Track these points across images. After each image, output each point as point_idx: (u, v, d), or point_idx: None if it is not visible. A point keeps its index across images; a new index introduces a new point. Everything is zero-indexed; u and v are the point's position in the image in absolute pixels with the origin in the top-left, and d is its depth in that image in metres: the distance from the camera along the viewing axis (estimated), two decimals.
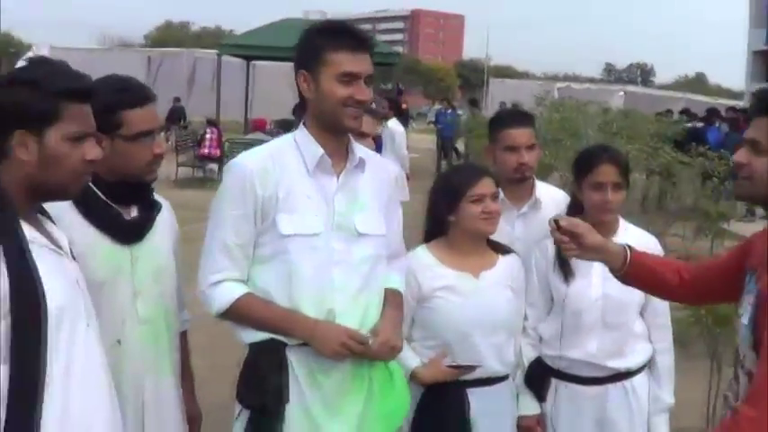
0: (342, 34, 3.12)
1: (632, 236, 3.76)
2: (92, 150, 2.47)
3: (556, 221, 3.13)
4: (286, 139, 3.28)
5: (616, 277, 3.17)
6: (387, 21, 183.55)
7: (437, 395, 3.66)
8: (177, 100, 30.36)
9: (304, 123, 3.25)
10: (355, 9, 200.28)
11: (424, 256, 3.78)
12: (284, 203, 3.10)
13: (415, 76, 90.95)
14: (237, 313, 3.12)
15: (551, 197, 4.18)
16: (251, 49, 23.88)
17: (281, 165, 3.15)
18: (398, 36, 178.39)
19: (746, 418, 2.45)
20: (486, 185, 3.69)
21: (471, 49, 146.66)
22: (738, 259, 2.88)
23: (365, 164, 3.28)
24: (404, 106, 24.85)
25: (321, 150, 3.16)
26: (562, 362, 3.86)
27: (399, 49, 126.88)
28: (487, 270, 3.76)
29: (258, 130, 20.63)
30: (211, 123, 21.45)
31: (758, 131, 2.64)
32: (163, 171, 17.80)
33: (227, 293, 3.10)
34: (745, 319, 2.66)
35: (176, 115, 28.17)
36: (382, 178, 3.36)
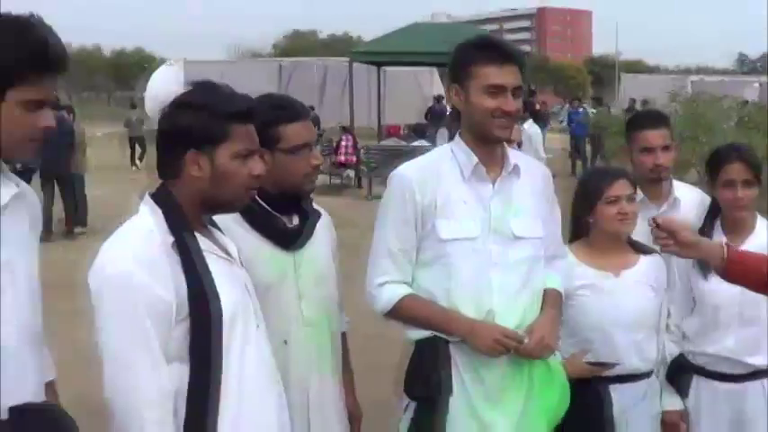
0: (489, 48, 3.28)
1: None
2: (257, 166, 2.67)
3: (654, 219, 3.32)
4: (443, 149, 3.48)
5: (718, 274, 3.29)
6: (513, 20, 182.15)
7: (579, 392, 3.71)
8: (311, 109, 30.98)
9: (460, 134, 3.42)
10: (482, 10, 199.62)
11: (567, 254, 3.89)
12: (443, 210, 3.29)
13: (545, 75, 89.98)
14: (400, 313, 3.33)
15: (690, 196, 4.26)
16: (382, 55, 24.08)
17: (438, 173, 3.34)
18: (525, 35, 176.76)
19: None
20: (621, 187, 3.79)
21: (600, 45, 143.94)
22: None
23: (520, 170, 3.42)
24: (538, 107, 24.71)
25: (475, 159, 3.33)
26: (702, 358, 3.94)
27: (527, 48, 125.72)
28: (628, 269, 3.86)
29: (392, 135, 20.90)
30: (346, 130, 21.72)
31: None
32: None
33: (391, 294, 3.31)
34: None
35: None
36: (536, 182, 3.50)
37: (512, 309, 3.30)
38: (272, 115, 3.19)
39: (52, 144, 13.50)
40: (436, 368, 3.29)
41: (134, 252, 2.48)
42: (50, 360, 2.65)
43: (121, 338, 2.44)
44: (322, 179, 20.49)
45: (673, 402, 4.01)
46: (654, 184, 4.25)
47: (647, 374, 3.92)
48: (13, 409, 2.31)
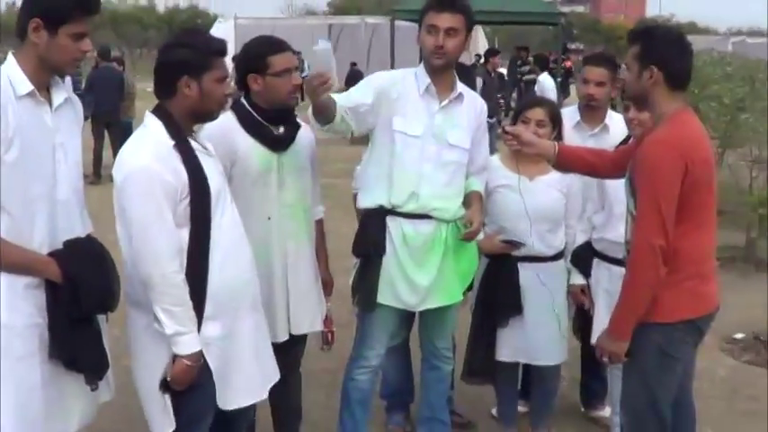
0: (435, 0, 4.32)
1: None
2: (227, 88, 3.65)
3: (503, 127, 4.39)
4: (410, 70, 4.52)
5: (553, 164, 4.37)
6: None
7: (496, 267, 4.87)
8: (354, 64, 31.69)
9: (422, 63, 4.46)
10: None
11: (493, 160, 4.92)
12: (400, 110, 4.37)
13: (595, 35, 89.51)
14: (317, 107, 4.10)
15: (619, 124, 5.11)
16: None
17: (404, 85, 4.41)
18: None
19: (635, 247, 3.69)
20: (534, 113, 4.84)
21: (655, 6, 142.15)
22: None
23: (463, 98, 4.48)
24: (567, 64, 25.41)
25: (428, 80, 4.38)
26: (602, 243, 4.95)
27: (581, 8, 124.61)
28: (542, 176, 4.86)
29: None
30: None
31: None
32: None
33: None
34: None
35: (354, 79, 29.50)
36: (474, 109, 4.55)
37: (436, 196, 4.36)
38: (262, 49, 4.23)
39: (103, 92, 14.51)
40: (374, 233, 4.37)
41: (148, 150, 3.48)
42: (89, 220, 3.65)
43: (146, 212, 3.41)
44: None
45: (575, 278, 5.06)
46: (589, 110, 5.24)
47: (553, 258, 4.94)
48: (66, 242, 3.37)
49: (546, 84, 13.47)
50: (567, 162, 4.34)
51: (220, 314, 3.54)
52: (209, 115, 3.71)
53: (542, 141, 4.41)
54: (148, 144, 3.50)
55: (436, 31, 4.26)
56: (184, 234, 3.47)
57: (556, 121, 4.87)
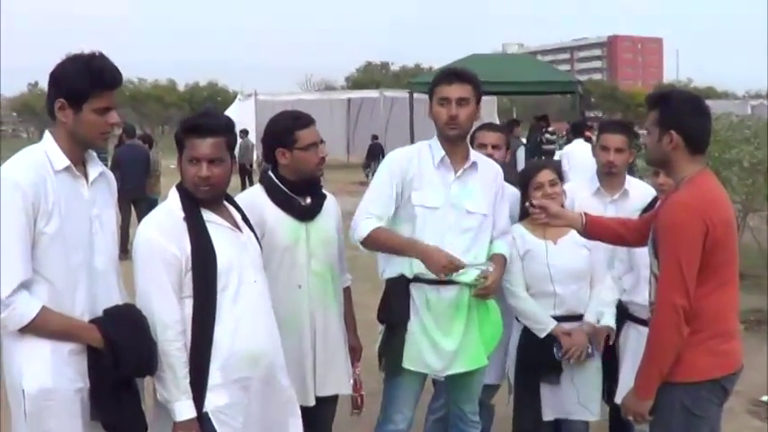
0: (444, 72, 4.54)
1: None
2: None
3: (529, 201, 4.53)
4: (424, 143, 4.67)
5: (581, 235, 4.47)
6: (584, 49, 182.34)
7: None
8: (375, 138, 31.97)
9: (437, 135, 4.60)
10: (552, 39, 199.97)
11: (518, 228, 5.00)
12: (417, 184, 4.50)
13: (613, 103, 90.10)
14: (372, 239, 4.41)
15: (638, 190, 5.28)
16: None
17: (419, 159, 4.55)
18: (597, 63, 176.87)
19: (658, 308, 3.75)
20: (544, 175, 4.93)
21: (672, 72, 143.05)
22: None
23: (477, 165, 4.61)
24: (587, 133, 25.50)
25: (443, 152, 4.52)
26: (632, 306, 4.99)
27: (598, 76, 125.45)
28: (563, 237, 4.95)
29: None
30: None
31: None
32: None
33: (367, 225, 4.42)
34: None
35: (375, 152, 29.77)
36: (488, 175, 4.68)
37: None
38: (289, 124, 4.41)
39: (129, 169, 14.72)
40: (398, 300, 4.50)
41: (155, 222, 3.69)
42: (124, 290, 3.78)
43: (146, 281, 3.59)
44: None
45: (607, 320, 5.00)
46: (609, 177, 5.33)
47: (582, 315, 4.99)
48: (106, 310, 3.51)
49: (576, 153, 12.62)
50: (595, 232, 4.45)
51: (229, 384, 3.64)
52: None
53: (569, 213, 4.54)
54: (158, 216, 3.73)
55: (448, 102, 4.43)
56: (190, 305, 3.61)
57: (562, 178, 5.02)
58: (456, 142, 4.53)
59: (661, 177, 4.70)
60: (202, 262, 3.61)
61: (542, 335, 4.87)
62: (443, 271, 4.25)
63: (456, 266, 4.25)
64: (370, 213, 4.44)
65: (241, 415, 3.66)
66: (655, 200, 4.94)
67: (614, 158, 5.24)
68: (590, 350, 4.91)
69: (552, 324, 4.87)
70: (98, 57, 3.51)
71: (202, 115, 3.84)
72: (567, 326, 4.91)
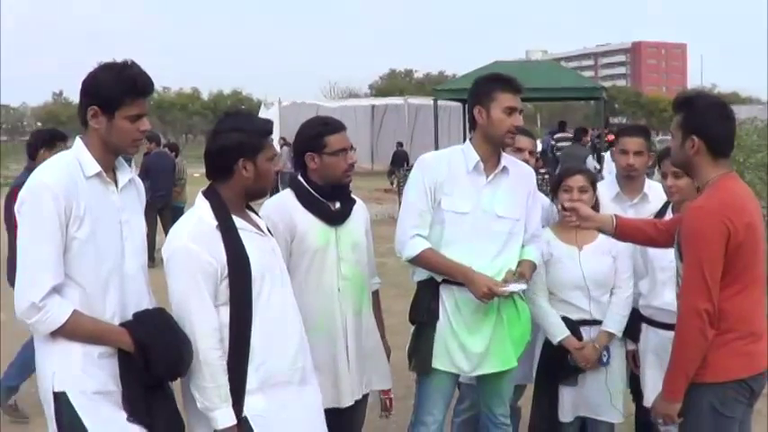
0: (509, 80, 4.58)
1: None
2: (276, 165, 3.88)
3: (561, 204, 4.60)
4: (457, 148, 4.74)
5: (612, 237, 4.51)
6: (608, 55, 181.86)
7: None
8: (400, 145, 32.03)
9: (470, 139, 4.66)
10: (576, 45, 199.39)
11: (546, 232, 5.05)
12: (448, 189, 4.56)
13: (638, 108, 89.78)
14: (421, 260, 4.54)
15: (657, 192, 5.29)
16: (463, 92, 24.83)
17: (449, 164, 4.61)
18: (621, 69, 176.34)
19: (682, 312, 3.82)
20: (575, 180, 4.98)
21: (696, 78, 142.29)
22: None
23: (509, 170, 4.65)
24: (610, 138, 25.53)
25: (477, 158, 4.57)
26: (649, 310, 5.02)
27: (622, 82, 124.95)
28: (588, 244, 5.00)
29: None
30: None
31: None
32: (386, 210, 19.81)
33: (417, 245, 4.53)
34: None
35: (400, 159, 29.78)
36: (520, 179, 4.72)
37: (486, 269, 4.48)
38: (319, 129, 4.48)
39: (158, 178, 14.82)
40: (427, 301, 4.58)
41: (189, 231, 3.69)
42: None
43: (183, 290, 3.61)
44: None
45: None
46: (628, 181, 5.39)
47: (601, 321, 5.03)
48: (136, 314, 3.58)
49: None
50: (626, 234, 4.50)
51: (267, 387, 3.68)
52: (263, 193, 3.92)
53: (600, 215, 4.59)
54: (190, 225, 3.72)
55: (513, 111, 4.52)
56: (225, 312, 3.65)
57: (594, 186, 5.06)
58: (498, 148, 4.62)
59: (669, 180, 4.75)
60: (238, 269, 3.64)
61: (555, 342, 4.96)
62: (484, 297, 4.35)
63: (496, 293, 4.35)
64: (414, 232, 4.54)
65: (278, 418, 3.70)
66: (666, 204, 5.01)
67: (633, 161, 5.29)
68: (605, 359, 4.98)
69: (563, 335, 4.94)
70: (130, 65, 3.58)
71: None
72: (587, 330, 4.99)
